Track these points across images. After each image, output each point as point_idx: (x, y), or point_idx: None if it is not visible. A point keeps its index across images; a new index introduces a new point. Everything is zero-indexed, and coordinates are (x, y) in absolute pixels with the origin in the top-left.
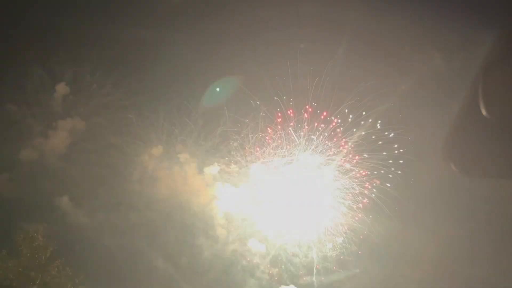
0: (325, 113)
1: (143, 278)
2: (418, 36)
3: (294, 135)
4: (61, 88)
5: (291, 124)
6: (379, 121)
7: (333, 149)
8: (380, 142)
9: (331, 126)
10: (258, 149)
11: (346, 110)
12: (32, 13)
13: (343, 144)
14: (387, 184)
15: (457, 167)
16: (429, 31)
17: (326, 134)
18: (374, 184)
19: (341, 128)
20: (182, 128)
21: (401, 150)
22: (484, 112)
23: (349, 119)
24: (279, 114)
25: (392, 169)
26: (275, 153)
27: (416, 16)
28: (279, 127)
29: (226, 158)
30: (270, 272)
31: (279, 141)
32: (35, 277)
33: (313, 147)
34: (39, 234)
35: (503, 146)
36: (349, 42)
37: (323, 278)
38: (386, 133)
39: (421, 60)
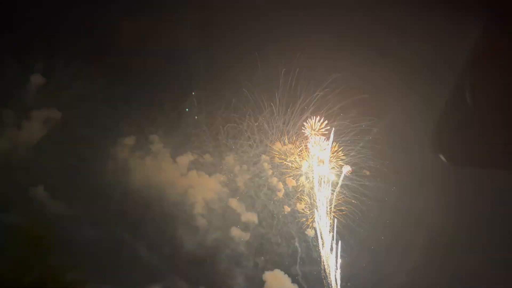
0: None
1: (125, 268)
2: (406, 25)
3: (267, 126)
4: (36, 79)
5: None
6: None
7: (309, 139)
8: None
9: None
10: (230, 139)
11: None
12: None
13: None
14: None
15: (446, 157)
16: (417, 21)
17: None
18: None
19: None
20: (154, 119)
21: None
22: (470, 102)
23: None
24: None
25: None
26: (249, 144)
27: (404, 5)
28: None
29: (200, 149)
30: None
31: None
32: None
33: (285, 137)
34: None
35: (491, 136)
36: (326, 31)
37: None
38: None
39: (409, 51)
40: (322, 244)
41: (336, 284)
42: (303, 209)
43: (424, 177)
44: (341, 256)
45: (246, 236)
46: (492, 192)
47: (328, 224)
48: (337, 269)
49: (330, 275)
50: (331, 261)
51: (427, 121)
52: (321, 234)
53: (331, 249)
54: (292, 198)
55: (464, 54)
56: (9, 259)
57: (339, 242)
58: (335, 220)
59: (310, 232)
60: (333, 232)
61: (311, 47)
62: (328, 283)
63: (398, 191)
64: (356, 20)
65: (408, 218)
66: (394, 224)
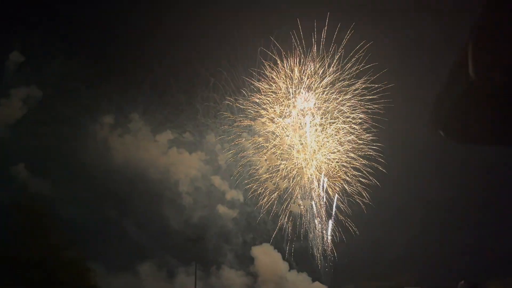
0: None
1: (114, 247)
2: None
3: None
4: (14, 57)
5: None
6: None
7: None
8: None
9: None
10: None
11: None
12: None
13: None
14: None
15: (445, 132)
16: None
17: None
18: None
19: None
20: (134, 98)
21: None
22: (472, 76)
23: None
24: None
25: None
26: (228, 124)
27: None
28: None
29: (180, 128)
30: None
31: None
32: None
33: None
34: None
35: (492, 112)
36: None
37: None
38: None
39: (410, 22)
40: (309, 221)
41: (323, 259)
42: (286, 187)
43: (423, 152)
44: (331, 232)
45: (233, 213)
46: (491, 169)
47: (320, 200)
48: (326, 244)
49: (319, 251)
50: (319, 238)
51: (427, 96)
52: (307, 211)
53: (322, 225)
54: (276, 175)
55: (465, 27)
56: None
57: (330, 218)
58: (325, 197)
59: (296, 208)
60: (322, 209)
61: (292, 24)
62: (317, 259)
63: (397, 167)
64: None
65: (406, 194)
66: (392, 199)
